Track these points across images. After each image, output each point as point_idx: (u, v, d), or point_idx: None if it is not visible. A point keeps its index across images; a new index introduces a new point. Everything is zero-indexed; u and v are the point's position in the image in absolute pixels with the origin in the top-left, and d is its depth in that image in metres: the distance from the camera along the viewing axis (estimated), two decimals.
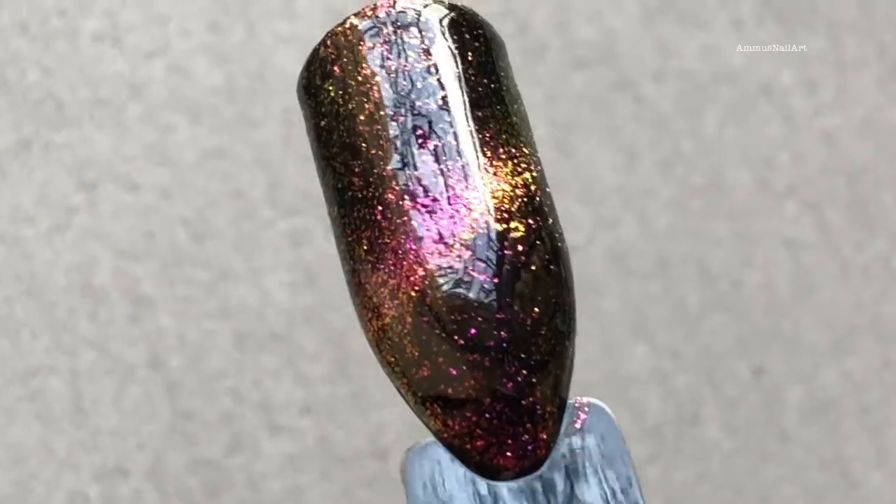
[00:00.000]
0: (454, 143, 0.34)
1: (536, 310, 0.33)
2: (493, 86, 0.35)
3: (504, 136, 0.34)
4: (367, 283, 0.34)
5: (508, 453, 0.33)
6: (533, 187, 0.34)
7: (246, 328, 0.59)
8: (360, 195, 0.34)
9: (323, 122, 0.35)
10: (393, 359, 0.34)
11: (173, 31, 0.61)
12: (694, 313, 0.61)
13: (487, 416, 0.33)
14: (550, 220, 0.34)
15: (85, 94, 0.60)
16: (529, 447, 0.33)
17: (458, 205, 0.33)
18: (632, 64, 0.62)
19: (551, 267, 0.33)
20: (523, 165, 0.34)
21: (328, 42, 0.36)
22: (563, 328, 0.34)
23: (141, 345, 0.58)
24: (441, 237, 0.33)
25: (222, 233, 0.59)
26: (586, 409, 0.34)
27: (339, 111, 0.35)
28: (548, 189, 0.35)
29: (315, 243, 0.60)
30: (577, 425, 0.34)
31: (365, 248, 0.34)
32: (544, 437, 0.33)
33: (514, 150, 0.34)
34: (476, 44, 0.35)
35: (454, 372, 0.33)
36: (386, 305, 0.33)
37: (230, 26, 0.61)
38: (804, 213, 0.62)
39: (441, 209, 0.33)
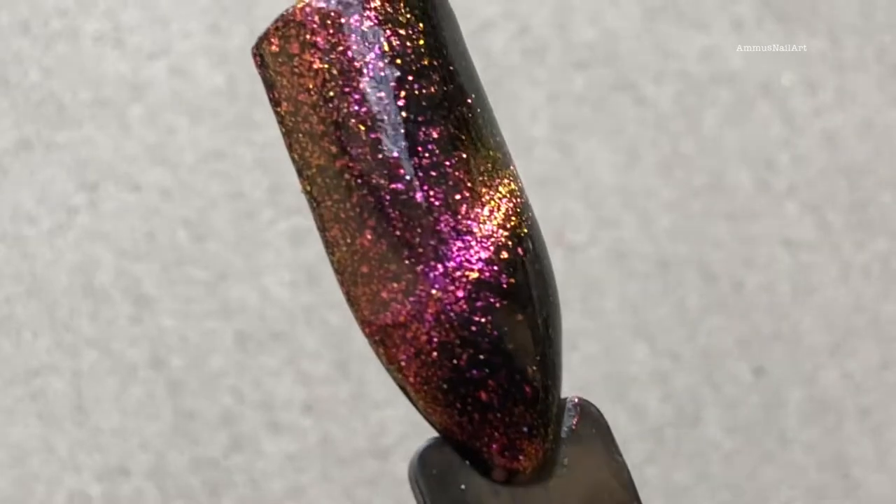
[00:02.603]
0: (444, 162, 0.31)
1: (538, 318, 0.32)
2: (455, 79, 0.32)
3: (481, 138, 0.32)
4: (375, 274, 0.32)
5: (521, 457, 0.32)
6: (513, 186, 0.32)
7: (247, 328, 0.59)
8: (357, 182, 0.32)
9: (302, 96, 0.32)
10: (404, 357, 0.32)
11: (174, 33, 0.61)
12: (694, 314, 0.61)
13: (507, 420, 0.32)
14: (529, 215, 0.33)
15: (86, 95, 0.60)
16: (543, 448, 0.32)
17: (465, 225, 0.31)
18: (632, 65, 0.62)
19: (536, 266, 0.32)
20: (503, 171, 0.32)
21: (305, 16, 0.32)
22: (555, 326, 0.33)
23: (142, 345, 0.58)
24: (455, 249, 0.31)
25: (223, 233, 0.59)
26: (579, 409, 0.33)
27: (324, 91, 0.31)
28: (516, 170, 0.33)
29: (316, 243, 0.59)
30: (574, 425, 0.33)
31: (369, 237, 0.32)
32: (551, 437, 0.32)
33: (491, 155, 0.32)
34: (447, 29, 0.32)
35: (476, 373, 0.31)
36: (398, 300, 0.32)
37: (231, 28, 0.61)
38: (804, 214, 0.62)
39: (448, 226, 0.31)
